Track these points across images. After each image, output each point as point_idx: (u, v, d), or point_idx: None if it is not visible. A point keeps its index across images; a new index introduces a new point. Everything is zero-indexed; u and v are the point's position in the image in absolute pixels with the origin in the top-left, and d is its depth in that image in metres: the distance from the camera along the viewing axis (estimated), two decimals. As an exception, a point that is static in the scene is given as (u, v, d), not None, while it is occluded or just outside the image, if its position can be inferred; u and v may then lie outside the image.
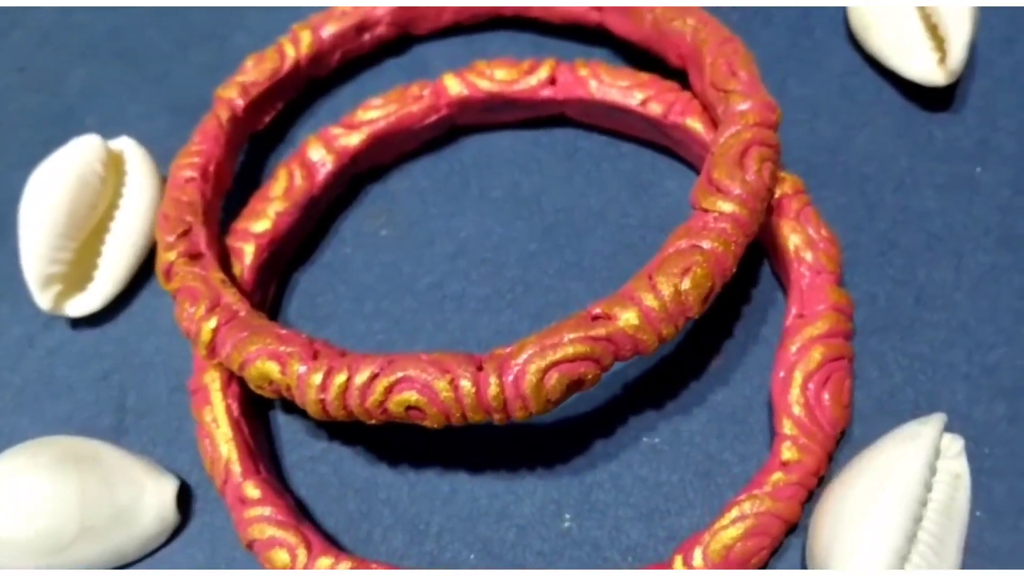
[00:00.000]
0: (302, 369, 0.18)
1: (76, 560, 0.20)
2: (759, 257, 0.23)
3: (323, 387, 0.18)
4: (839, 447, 0.21)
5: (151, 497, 0.21)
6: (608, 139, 0.25)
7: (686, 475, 0.21)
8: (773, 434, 0.20)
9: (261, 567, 0.20)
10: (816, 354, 0.20)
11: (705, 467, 0.21)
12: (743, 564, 0.19)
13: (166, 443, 0.23)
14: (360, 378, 0.18)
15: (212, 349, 0.20)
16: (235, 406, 0.21)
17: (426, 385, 0.18)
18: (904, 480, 0.18)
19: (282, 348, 0.19)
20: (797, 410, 0.20)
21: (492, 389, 0.18)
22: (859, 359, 0.22)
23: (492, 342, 0.23)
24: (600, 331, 0.18)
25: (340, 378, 0.18)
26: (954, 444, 0.19)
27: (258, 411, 0.22)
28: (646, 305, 0.18)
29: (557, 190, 0.25)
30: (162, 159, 0.26)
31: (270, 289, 0.24)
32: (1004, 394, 0.21)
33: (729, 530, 0.19)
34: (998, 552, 0.20)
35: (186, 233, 0.21)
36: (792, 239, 0.21)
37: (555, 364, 0.18)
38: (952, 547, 0.18)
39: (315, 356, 0.19)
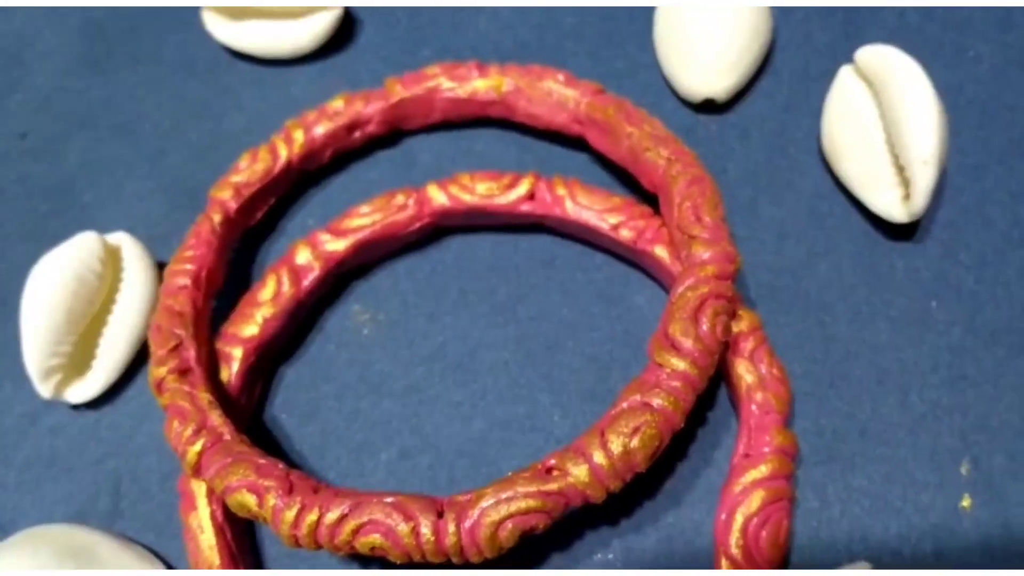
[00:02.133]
0: (278, 504, 0.20)
1: (71, 649, 0.22)
2: (717, 382, 0.24)
3: (296, 524, 0.20)
4: (775, 578, 0.22)
5: (141, 590, 0.23)
6: (583, 249, 0.26)
7: (634, 593, 0.23)
8: (712, 568, 0.22)
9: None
10: (757, 497, 0.22)
11: (652, 586, 0.23)
12: None
13: (157, 529, 0.24)
14: (330, 518, 0.20)
15: (197, 470, 0.21)
16: (219, 512, 0.23)
17: (390, 530, 0.20)
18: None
19: (260, 481, 0.20)
20: (736, 552, 0.21)
21: (450, 538, 0.19)
22: (801, 487, 0.23)
23: (462, 450, 0.24)
24: (552, 486, 0.20)
25: (311, 516, 0.20)
26: (878, 590, 0.21)
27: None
28: (596, 462, 0.20)
29: (532, 298, 0.26)
30: (155, 242, 0.27)
31: (256, 388, 0.25)
32: (932, 533, 0.22)
33: (663, 665, 0.21)
34: None
35: (177, 348, 0.23)
36: (745, 378, 0.23)
37: (509, 516, 0.19)
38: None
39: (291, 490, 0.20)
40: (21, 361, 0.26)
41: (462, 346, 0.26)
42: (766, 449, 0.22)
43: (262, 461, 0.21)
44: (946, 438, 0.23)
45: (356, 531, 0.20)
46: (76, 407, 0.26)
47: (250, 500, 0.20)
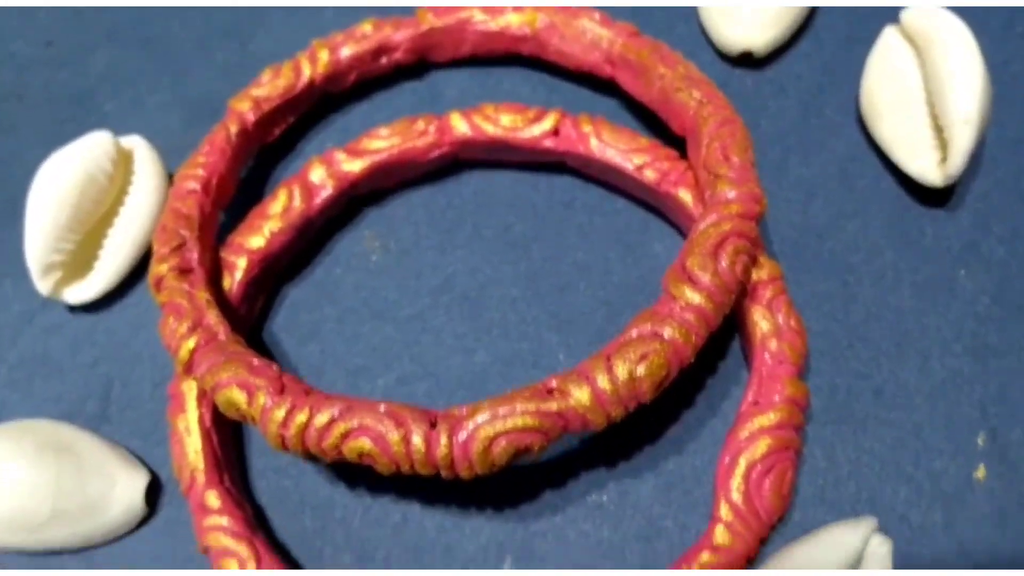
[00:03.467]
0: (267, 403, 0.19)
1: (46, 540, 0.22)
2: (731, 332, 0.24)
3: (284, 424, 0.19)
4: (776, 531, 0.21)
5: (122, 491, 0.22)
6: (605, 193, 0.26)
7: (627, 536, 0.22)
8: (711, 515, 0.21)
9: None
10: (763, 444, 0.21)
11: (646, 532, 0.22)
12: (661, 639, 0.20)
13: (143, 436, 0.24)
14: (319, 420, 0.19)
15: (188, 367, 0.21)
16: (208, 416, 0.22)
17: (380, 436, 0.19)
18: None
19: (252, 379, 0.20)
20: (736, 496, 0.20)
21: (441, 449, 0.19)
22: (810, 446, 0.22)
23: (462, 381, 0.24)
24: (552, 406, 0.19)
25: (301, 417, 0.19)
26: (882, 547, 0.20)
27: (231, 422, 0.23)
28: (599, 387, 0.19)
29: (548, 238, 0.25)
30: (171, 156, 0.27)
31: (258, 302, 0.24)
32: (943, 501, 0.22)
33: (652, 606, 0.20)
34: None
35: (180, 247, 0.22)
36: (761, 325, 0.22)
37: (504, 433, 0.19)
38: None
39: (282, 391, 0.20)
40: (24, 261, 0.26)
41: (471, 280, 0.25)
42: (776, 398, 0.21)
43: (256, 362, 0.20)
44: (964, 407, 0.22)
45: (345, 435, 0.19)
46: (74, 310, 0.25)
47: (239, 397, 0.20)
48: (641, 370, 0.19)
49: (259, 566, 0.21)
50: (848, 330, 0.23)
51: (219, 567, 0.21)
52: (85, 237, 0.25)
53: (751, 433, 0.21)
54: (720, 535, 0.20)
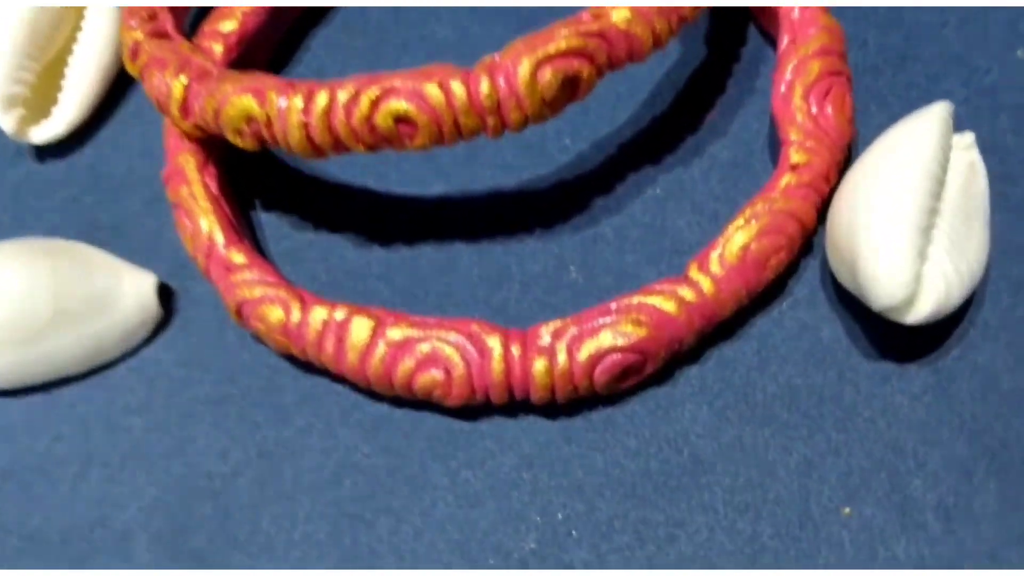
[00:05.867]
0: (282, 98, 0.17)
1: (53, 349, 0.19)
2: (746, 20, 0.23)
3: (306, 111, 0.17)
4: (847, 164, 0.20)
5: (130, 285, 0.20)
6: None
7: (692, 218, 0.20)
8: (780, 145, 0.19)
9: (255, 330, 0.19)
10: (814, 67, 0.19)
11: (711, 208, 0.20)
12: (761, 265, 0.18)
13: (144, 251, 0.21)
14: (343, 95, 0.17)
15: (185, 106, 0.19)
16: (213, 184, 0.20)
17: (414, 92, 0.17)
18: (919, 152, 0.17)
19: (258, 83, 0.18)
20: (800, 118, 0.19)
21: (484, 88, 0.17)
22: (856, 95, 0.21)
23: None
24: (593, 26, 0.17)
25: (321, 99, 0.17)
26: (965, 138, 0.19)
27: (238, 200, 0.21)
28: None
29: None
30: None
31: (243, 93, 0.23)
32: (1005, 109, 0.21)
33: (743, 231, 0.18)
34: (1022, 248, 0.19)
35: (152, 17, 0.21)
36: (778, -18, 0.21)
37: (548, 59, 0.17)
38: (978, 225, 0.18)
39: (293, 86, 0.18)
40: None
41: (464, 45, 0.23)
42: (812, 30, 0.20)
43: (258, 74, 0.18)
44: (995, 29, 0.22)
45: (375, 102, 0.17)
46: (41, 156, 0.23)
47: (250, 102, 0.18)
48: (674, -18, 0.18)
49: (304, 306, 0.18)
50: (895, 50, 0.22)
51: (259, 318, 0.18)
52: (45, 69, 0.23)
53: (799, 61, 0.20)
54: (796, 154, 0.19)
